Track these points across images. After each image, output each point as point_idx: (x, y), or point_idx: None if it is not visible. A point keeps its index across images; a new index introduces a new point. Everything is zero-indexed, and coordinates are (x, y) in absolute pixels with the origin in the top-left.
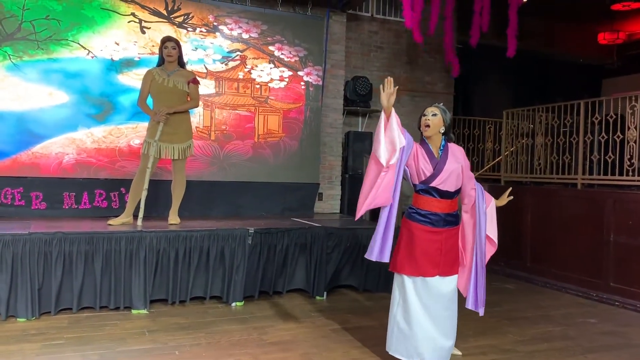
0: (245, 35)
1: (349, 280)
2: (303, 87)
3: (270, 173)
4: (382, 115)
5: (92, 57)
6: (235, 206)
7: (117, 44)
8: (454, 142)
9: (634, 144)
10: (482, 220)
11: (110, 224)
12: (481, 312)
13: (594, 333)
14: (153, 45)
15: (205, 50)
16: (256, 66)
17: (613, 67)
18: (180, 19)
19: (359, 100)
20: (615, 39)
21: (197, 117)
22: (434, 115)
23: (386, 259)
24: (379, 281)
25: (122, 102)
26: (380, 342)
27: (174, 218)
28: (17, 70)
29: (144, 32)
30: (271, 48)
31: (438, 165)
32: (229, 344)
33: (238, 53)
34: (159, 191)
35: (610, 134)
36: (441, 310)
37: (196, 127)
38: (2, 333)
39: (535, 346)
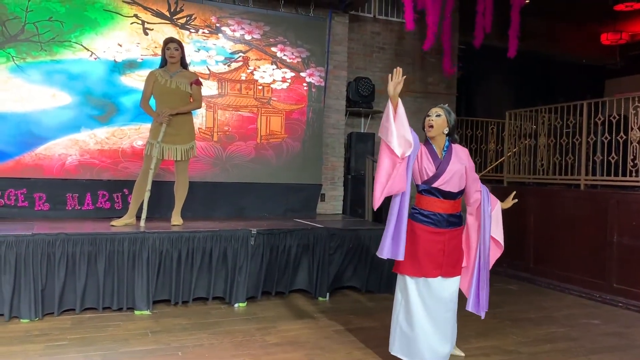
0: (247, 37)
1: (351, 281)
2: (305, 88)
3: (273, 174)
4: (389, 105)
5: (95, 58)
6: (238, 207)
7: (120, 46)
8: (458, 143)
9: (637, 145)
10: (487, 222)
11: (113, 225)
12: (482, 315)
13: (597, 334)
14: (156, 47)
15: (208, 51)
16: (259, 67)
17: (616, 67)
18: (182, 21)
19: (362, 101)
20: (618, 39)
21: (199, 118)
22: (438, 116)
23: (401, 256)
24: (382, 282)
25: (125, 104)
26: (383, 343)
27: (176, 219)
28: (20, 71)
29: (146, 34)
30: (274, 49)
31: (441, 166)
32: (231, 344)
33: (240, 54)
34: (161, 192)
35: (613, 135)
36: (443, 312)
37: (199, 128)
38: (6, 334)
39: (538, 347)
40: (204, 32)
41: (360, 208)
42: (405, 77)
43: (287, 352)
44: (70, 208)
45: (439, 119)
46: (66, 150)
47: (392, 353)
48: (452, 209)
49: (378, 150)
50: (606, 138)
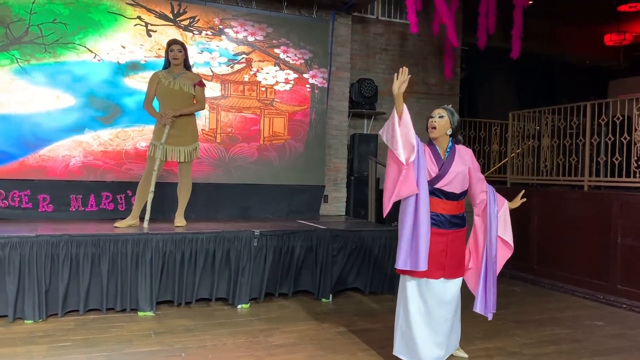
0: (250, 38)
1: (354, 283)
2: (308, 89)
3: (276, 175)
4: (394, 112)
5: (99, 60)
6: (241, 208)
7: (124, 47)
8: (462, 144)
9: None
10: (493, 223)
11: (116, 227)
12: (490, 317)
13: (601, 336)
14: (159, 49)
15: (211, 53)
16: (262, 69)
17: (620, 68)
18: (186, 22)
19: (365, 102)
20: (622, 40)
21: (203, 119)
22: (441, 117)
23: (423, 265)
24: (385, 283)
25: (129, 105)
26: (387, 344)
27: (180, 220)
28: (24, 73)
29: (150, 36)
30: (277, 51)
31: (444, 167)
32: (234, 346)
33: (244, 56)
34: (165, 194)
35: (617, 136)
36: (444, 313)
37: (202, 129)
38: (10, 335)
39: (542, 349)
40: (207, 34)
41: (363, 209)
42: (410, 76)
43: (291, 354)
44: (74, 209)
45: (442, 120)
46: (70, 151)
47: (395, 354)
48: (455, 210)
49: (381, 151)
50: (610, 139)
